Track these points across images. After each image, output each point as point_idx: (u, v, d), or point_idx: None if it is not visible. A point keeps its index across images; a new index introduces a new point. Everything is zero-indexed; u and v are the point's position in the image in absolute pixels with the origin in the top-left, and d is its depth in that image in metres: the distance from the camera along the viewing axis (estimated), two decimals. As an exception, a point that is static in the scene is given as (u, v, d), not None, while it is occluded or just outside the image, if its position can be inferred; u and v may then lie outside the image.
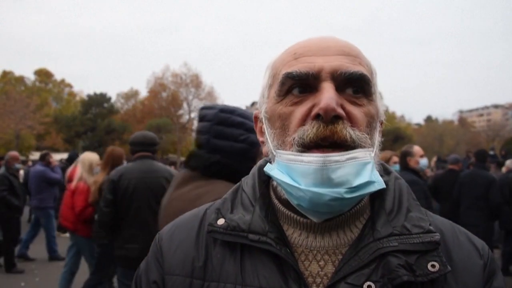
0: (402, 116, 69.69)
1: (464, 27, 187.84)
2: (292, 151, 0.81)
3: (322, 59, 0.83)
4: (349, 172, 0.76)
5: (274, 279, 0.81)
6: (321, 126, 0.78)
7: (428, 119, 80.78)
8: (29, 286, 6.88)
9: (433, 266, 0.77)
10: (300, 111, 0.83)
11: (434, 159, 15.24)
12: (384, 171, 0.96)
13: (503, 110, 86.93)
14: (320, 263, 0.84)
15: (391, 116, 58.82)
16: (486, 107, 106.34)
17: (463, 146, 47.80)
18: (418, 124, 79.37)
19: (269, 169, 0.88)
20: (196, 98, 51.20)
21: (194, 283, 0.87)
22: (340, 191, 0.76)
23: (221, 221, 0.89)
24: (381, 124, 0.93)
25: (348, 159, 0.76)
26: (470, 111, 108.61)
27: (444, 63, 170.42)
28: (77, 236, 5.45)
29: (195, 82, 50.66)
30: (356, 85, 0.83)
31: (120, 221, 3.97)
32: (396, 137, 47.13)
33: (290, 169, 0.81)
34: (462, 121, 73.51)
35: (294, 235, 0.88)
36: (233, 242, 0.87)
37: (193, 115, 51.76)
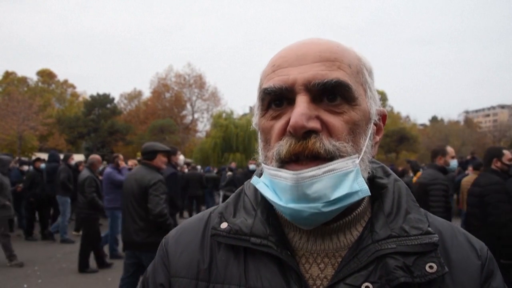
0: (407, 117, 69.03)
1: (470, 26, 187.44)
2: (272, 165, 0.84)
3: (296, 70, 0.82)
4: (325, 185, 0.77)
5: (276, 281, 0.83)
6: (293, 142, 0.79)
7: (434, 119, 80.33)
8: (29, 290, 6.86)
9: (431, 267, 0.79)
10: (278, 125, 0.84)
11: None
12: (384, 174, 0.98)
13: (510, 110, 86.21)
14: (320, 265, 0.86)
15: (396, 117, 58.52)
16: (493, 108, 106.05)
17: (469, 147, 47.32)
18: (424, 125, 78.97)
19: (255, 182, 0.91)
20: (199, 99, 51.32)
21: (200, 285, 0.90)
22: (318, 206, 0.77)
23: (224, 225, 0.91)
24: (382, 117, 0.94)
25: (325, 172, 0.77)
26: (476, 111, 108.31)
27: (449, 63, 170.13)
28: None
29: (199, 82, 50.71)
30: (334, 92, 0.81)
31: None
32: (401, 137, 46.75)
33: (274, 184, 0.83)
34: (468, 121, 72.89)
35: (295, 239, 0.90)
36: (237, 245, 0.89)
37: (196, 115, 51.81)
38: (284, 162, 0.81)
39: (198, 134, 53.48)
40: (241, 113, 41.81)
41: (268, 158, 0.86)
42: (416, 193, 5.13)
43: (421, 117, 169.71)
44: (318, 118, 0.80)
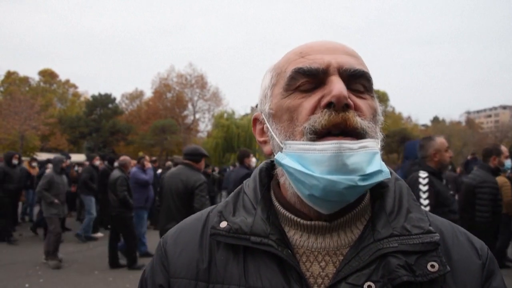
0: (409, 117, 69.14)
1: (471, 26, 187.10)
2: (303, 140, 0.82)
3: (329, 56, 0.87)
4: (362, 159, 0.78)
5: (276, 280, 0.83)
6: (333, 113, 0.81)
7: (435, 120, 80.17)
8: (31, 289, 6.88)
9: (432, 266, 0.79)
10: (309, 102, 0.85)
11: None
12: None
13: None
14: (321, 264, 0.86)
15: (397, 117, 58.54)
16: (494, 108, 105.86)
17: (470, 147, 47.22)
18: (425, 125, 78.70)
19: (281, 158, 0.86)
20: (201, 99, 51.31)
21: (199, 285, 0.89)
22: (354, 178, 0.77)
23: (223, 224, 0.91)
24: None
25: (360, 147, 0.79)
26: (478, 112, 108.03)
27: (451, 63, 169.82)
28: None
29: (200, 82, 50.70)
30: (360, 81, 0.87)
31: None
32: (402, 138, 46.51)
33: (302, 158, 0.82)
34: (470, 122, 72.73)
35: (295, 237, 0.90)
36: (236, 244, 0.88)
37: (198, 116, 51.82)
38: (320, 135, 0.81)
39: (200, 134, 53.50)
40: (242, 113, 41.72)
41: (297, 133, 0.84)
42: (463, 195, 4.95)
43: (422, 118, 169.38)
44: (349, 98, 0.83)
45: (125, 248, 8.23)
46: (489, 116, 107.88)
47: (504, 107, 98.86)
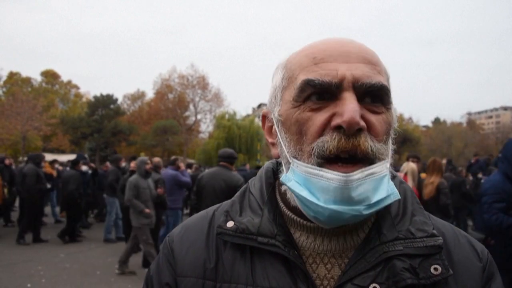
0: (410, 118, 68.83)
1: (472, 27, 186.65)
2: (311, 162, 0.80)
3: (344, 66, 0.81)
4: (368, 188, 0.77)
5: (283, 280, 0.83)
6: (343, 138, 0.77)
7: (436, 121, 79.97)
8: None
9: (435, 269, 0.80)
10: (319, 118, 0.81)
11: (443, 161, 14.88)
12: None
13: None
14: (327, 266, 0.87)
15: (398, 118, 57.52)
16: (495, 109, 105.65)
17: (471, 148, 47.15)
18: (426, 126, 78.61)
19: (287, 180, 0.84)
20: (202, 100, 51.24)
21: (207, 284, 0.89)
22: (360, 208, 0.77)
23: (230, 224, 0.91)
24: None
25: (367, 175, 0.77)
26: (479, 113, 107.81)
27: (452, 64, 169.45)
28: None
29: (202, 83, 50.66)
30: (376, 95, 0.83)
31: None
32: (404, 139, 46.65)
33: (309, 182, 0.80)
34: (471, 123, 72.46)
35: (302, 238, 0.90)
36: (243, 244, 0.88)
37: (199, 116, 51.81)
38: (328, 159, 0.79)
39: (201, 135, 53.53)
40: (244, 114, 41.85)
41: (304, 152, 0.82)
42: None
43: (423, 119, 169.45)
44: (362, 117, 0.79)
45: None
46: (490, 117, 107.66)
47: (505, 108, 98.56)
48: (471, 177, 12.70)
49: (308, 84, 0.81)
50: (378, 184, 0.79)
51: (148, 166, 7.48)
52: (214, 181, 5.92)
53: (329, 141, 0.78)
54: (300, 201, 0.82)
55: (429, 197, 6.35)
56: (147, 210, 7.16)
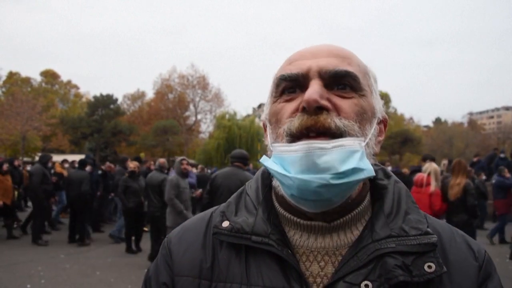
0: (411, 118, 68.73)
1: (473, 27, 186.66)
2: (283, 142, 0.87)
3: (311, 61, 0.89)
4: (335, 158, 0.79)
5: (277, 279, 0.85)
6: (305, 117, 0.84)
7: (437, 121, 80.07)
8: (32, 290, 6.88)
9: (429, 267, 0.80)
10: (291, 106, 0.89)
11: (445, 162, 14.85)
12: (384, 175, 1.00)
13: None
14: (320, 263, 0.88)
15: (399, 118, 58.39)
16: (497, 109, 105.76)
17: (473, 149, 47.12)
18: (427, 126, 78.64)
19: (264, 160, 0.91)
20: (202, 100, 51.32)
21: (202, 283, 0.91)
22: (326, 177, 0.79)
23: (225, 224, 0.93)
24: (383, 122, 0.98)
25: (334, 146, 0.80)
26: (480, 113, 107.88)
27: (453, 64, 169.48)
28: None
29: (202, 83, 50.72)
30: (343, 81, 0.88)
31: None
32: (404, 139, 46.58)
33: (282, 159, 0.85)
34: (472, 123, 72.51)
35: (295, 237, 0.91)
36: (238, 244, 0.91)
37: (199, 116, 51.84)
38: (295, 137, 0.84)
39: (201, 135, 53.55)
40: (244, 114, 41.85)
41: (279, 135, 0.89)
42: None
43: (424, 119, 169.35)
44: (329, 100, 0.85)
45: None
46: (492, 117, 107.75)
47: (507, 108, 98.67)
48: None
49: (281, 79, 0.91)
50: (346, 156, 0.80)
51: (184, 166, 7.63)
52: (229, 181, 6.00)
53: (294, 120, 0.85)
54: (278, 179, 0.87)
55: (456, 198, 6.44)
56: (185, 212, 7.17)
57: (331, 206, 0.85)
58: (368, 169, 0.82)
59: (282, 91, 0.92)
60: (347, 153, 0.81)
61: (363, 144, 0.85)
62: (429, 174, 6.73)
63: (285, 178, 0.83)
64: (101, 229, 12.13)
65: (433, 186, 6.66)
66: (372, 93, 0.94)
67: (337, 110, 0.85)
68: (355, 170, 0.80)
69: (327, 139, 0.81)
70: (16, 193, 11.17)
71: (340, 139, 0.81)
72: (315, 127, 0.82)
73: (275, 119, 0.92)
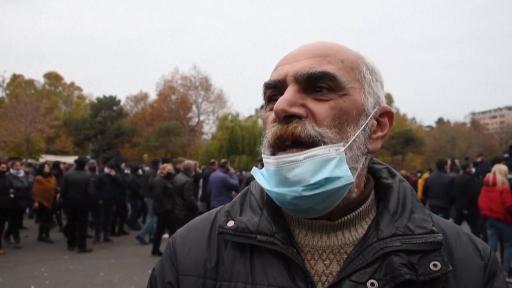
0: (414, 119, 68.62)
1: (475, 28, 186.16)
2: (266, 153, 0.88)
3: (289, 65, 0.89)
4: (306, 170, 0.80)
5: (282, 278, 0.85)
6: (277, 126, 0.85)
7: (440, 121, 79.77)
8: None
9: (435, 265, 0.80)
10: (272, 115, 0.89)
11: (448, 162, 14.80)
12: (389, 174, 1.00)
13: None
14: (325, 262, 0.88)
15: (402, 119, 58.21)
16: (499, 109, 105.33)
17: (475, 148, 46.92)
18: (430, 127, 78.38)
19: (254, 171, 0.95)
20: (205, 101, 51.38)
21: (207, 283, 0.91)
22: (298, 189, 0.80)
23: (230, 223, 0.93)
24: (387, 114, 0.95)
25: (306, 157, 0.80)
26: (483, 113, 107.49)
27: (455, 64, 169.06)
28: (506, 224, 7.22)
29: (205, 85, 50.79)
30: (320, 83, 0.85)
31: None
32: (407, 139, 46.43)
33: (266, 170, 0.88)
34: (475, 123, 72.28)
35: (300, 236, 0.92)
36: (243, 243, 0.91)
37: (202, 117, 51.87)
38: (274, 147, 0.85)
39: (204, 136, 53.62)
40: (247, 115, 41.91)
41: (265, 145, 0.90)
42: None
43: (427, 119, 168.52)
44: (304, 106, 0.85)
45: None
46: (494, 117, 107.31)
47: (510, 108, 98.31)
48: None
49: (265, 87, 0.93)
50: (319, 167, 0.80)
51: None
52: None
53: (270, 130, 0.87)
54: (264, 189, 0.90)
55: None
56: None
57: (322, 213, 0.86)
58: (346, 176, 0.81)
59: (268, 98, 0.93)
60: (319, 163, 0.80)
61: (342, 149, 0.83)
62: (494, 173, 7.35)
63: (268, 191, 0.86)
64: (125, 231, 12.20)
65: (500, 184, 7.24)
66: (364, 87, 0.90)
67: (313, 117, 0.84)
68: (328, 180, 0.80)
69: (301, 150, 0.81)
70: (57, 196, 10.99)
71: (313, 149, 0.81)
72: (283, 137, 0.83)
73: (264, 127, 0.93)
